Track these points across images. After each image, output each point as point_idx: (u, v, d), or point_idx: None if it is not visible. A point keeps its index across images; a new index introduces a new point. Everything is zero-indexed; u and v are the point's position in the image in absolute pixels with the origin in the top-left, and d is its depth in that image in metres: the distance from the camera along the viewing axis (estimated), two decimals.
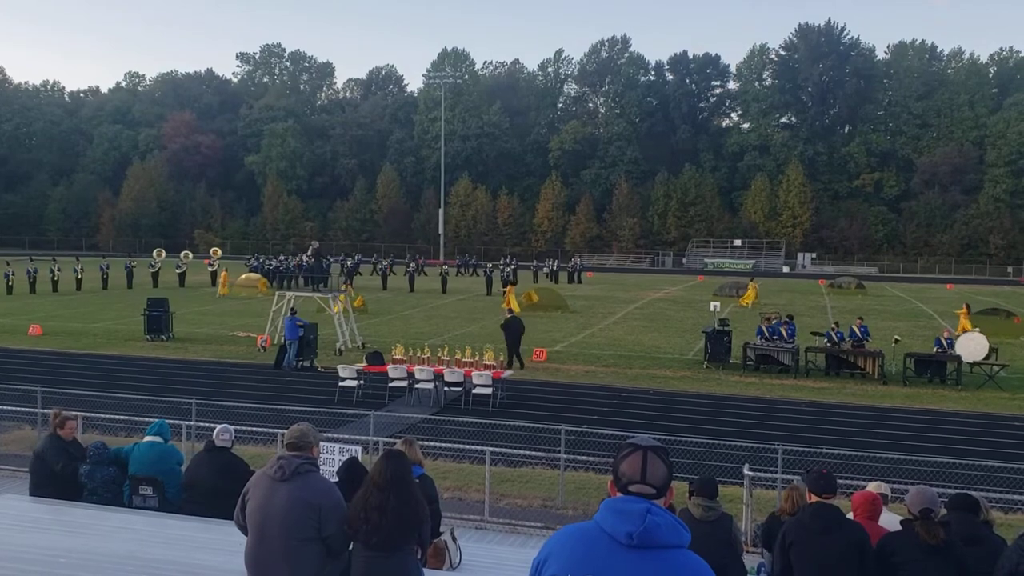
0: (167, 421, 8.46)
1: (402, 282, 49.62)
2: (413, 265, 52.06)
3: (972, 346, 21.38)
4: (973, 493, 6.38)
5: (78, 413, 11.96)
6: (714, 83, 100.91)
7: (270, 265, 50.95)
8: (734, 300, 42.71)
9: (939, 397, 19.65)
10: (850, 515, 5.90)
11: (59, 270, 45.03)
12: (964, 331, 24.97)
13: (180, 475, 7.89)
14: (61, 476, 7.91)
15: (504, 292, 39.32)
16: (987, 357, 21.34)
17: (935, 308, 40.98)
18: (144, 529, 6.83)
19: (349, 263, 57.46)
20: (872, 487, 6.67)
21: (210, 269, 51.00)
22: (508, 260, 53.02)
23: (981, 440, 15.54)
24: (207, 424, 11.16)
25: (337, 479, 6.35)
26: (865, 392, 19.98)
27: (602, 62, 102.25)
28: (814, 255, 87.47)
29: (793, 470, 10.40)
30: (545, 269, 60.60)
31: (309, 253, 27.36)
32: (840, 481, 6.25)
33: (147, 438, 8.03)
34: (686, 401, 18.86)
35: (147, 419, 9.14)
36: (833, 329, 23.06)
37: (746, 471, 10.15)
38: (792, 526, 5.60)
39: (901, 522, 5.59)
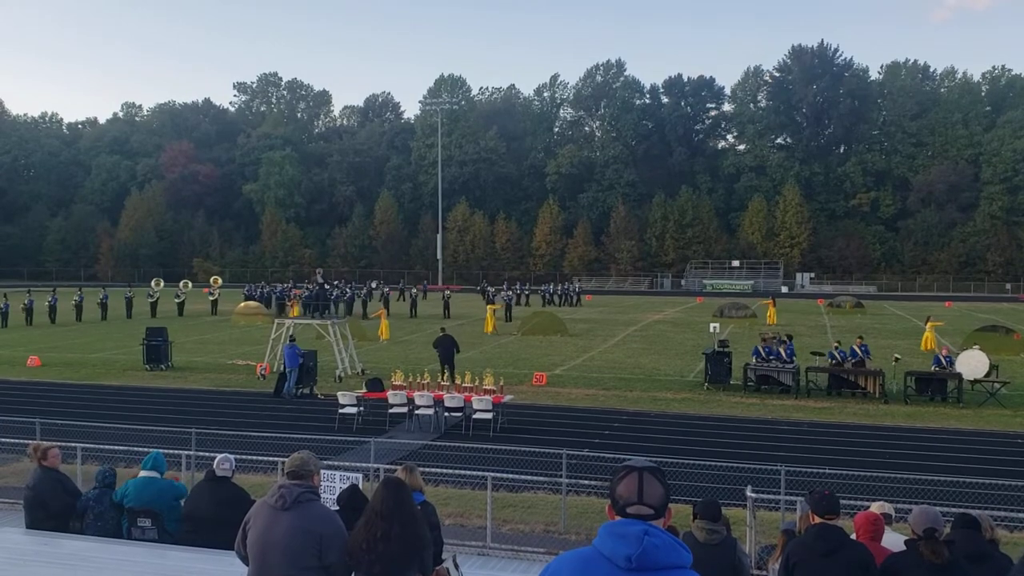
0: (162, 453, 8.31)
1: (403, 307, 49.63)
2: (415, 290, 52.20)
3: (973, 364, 21.37)
4: (976, 512, 6.34)
5: (77, 444, 11.98)
6: (709, 105, 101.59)
7: (264, 291, 50.99)
8: (734, 321, 42.69)
9: (940, 415, 19.59)
10: (853, 536, 5.87)
11: (56, 301, 44.91)
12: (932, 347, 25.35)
13: (179, 508, 7.79)
14: (57, 508, 7.82)
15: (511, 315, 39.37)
16: (988, 374, 21.32)
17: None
18: (144, 561, 6.77)
19: (348, 289, 57.39)
20: (875, 507, 6.64)
21: (210, 298, 51.10)
22: (508, 284, 53.02)
23: (983, 458, 15.47)
24: (207, 453, 11.09)
25: (337, 507, 6.31)
26: (866, 411, 19.92)
27: (597, 86, 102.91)
28: (812, 275, 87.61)
29: (796, 491, 10.35)
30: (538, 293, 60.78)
31: (319, 280, 27.38)
32: (843, 501, 6.22)
33: (142, 473, 7.90)
34: (687, 423, 18.79)
35: (147, 449, 9.07)
36: (835, 348, 23.05)
37: (749, 493, 10.10)
38: (796, 547, 5.57)
39: (905, 542, 5.56)
